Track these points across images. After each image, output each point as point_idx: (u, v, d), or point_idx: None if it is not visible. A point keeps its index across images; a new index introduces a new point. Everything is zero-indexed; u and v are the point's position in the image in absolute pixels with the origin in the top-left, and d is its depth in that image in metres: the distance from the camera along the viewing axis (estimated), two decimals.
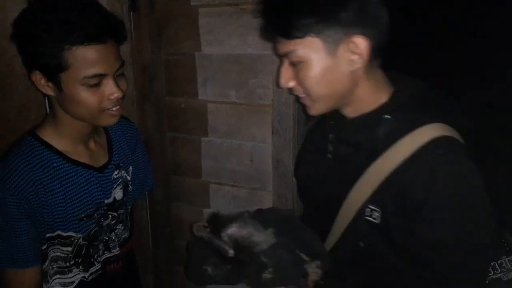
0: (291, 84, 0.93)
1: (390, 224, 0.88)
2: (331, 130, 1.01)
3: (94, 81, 0.93)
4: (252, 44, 1.35)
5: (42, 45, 0.89)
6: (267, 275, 0.94)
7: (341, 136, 0.99)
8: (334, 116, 1.01)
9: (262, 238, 0.98)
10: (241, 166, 1.52)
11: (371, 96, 0.92)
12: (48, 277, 1.05)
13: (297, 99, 0.99)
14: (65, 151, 1.04)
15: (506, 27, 3.57)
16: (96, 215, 1.08)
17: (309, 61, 0.87)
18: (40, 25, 0.89)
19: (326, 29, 0.84)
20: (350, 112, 0.95)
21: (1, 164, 0.97)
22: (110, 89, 0.95)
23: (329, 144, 1.02)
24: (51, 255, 1.04)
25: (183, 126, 1.58)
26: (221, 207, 1.56)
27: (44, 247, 1.02)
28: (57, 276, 1.06)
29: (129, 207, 1.23)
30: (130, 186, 1.21)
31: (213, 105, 1.50)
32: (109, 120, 1.01)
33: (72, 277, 1.08)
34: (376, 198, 0.89)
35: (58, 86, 0.94)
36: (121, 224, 1.17)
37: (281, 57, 0.94)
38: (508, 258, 1.11)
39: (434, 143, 0.84)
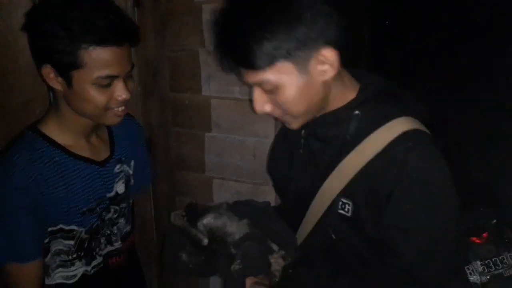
0: (267, 108, 0.91)
1: (361, 217, 0.90)
2: (304, 126, 0.99)
3: (106, 81, 0.95)
4: None
5: (58, 42, 0.90)
6: (235, 266, 0.97)
7: (312, 132, 1.00)
8: None
9: (235, 228, 1.02)
10: (244, 161, 1.53)
11: (340, 95, 0.93)
12: (50, 270, 1.06)
13: (276, 118, 0.98)
14: (67, 145, 1.04)
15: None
16: (98, 209, 1.09)
17: (284, 85, 0.85)
18: (58, 22, 0.90)
19: (292, 50, 0.81)
20: (322, 112, 0.96)
21: (2, 158, 0.98)
22: (120, 90, 0.97)
23: (301, 139, 1.04)
24: (54, 249, 1.05)
25: (187, 122, 1.59)
26: None
27: (46, 240, 1.03)
28: (60, 269, 1.07)
29: (131, 201, 1.24)
30: (132, 180, 1.22)
31: (217, 100, 1.51)
32: (112, 120, 1.02)
33: (74, 270, 1.09)
34: (348, 191, 0.91)
35: (68, 82, 0.94)
36: (123, 218, 1.18)
37: (249, 85, 0.92)
38: (510, 254, 1.12)
39: (405, 136, 0.86)
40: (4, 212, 0.95)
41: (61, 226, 1.03)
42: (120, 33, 0.93)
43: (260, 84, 0.87)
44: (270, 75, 0.84)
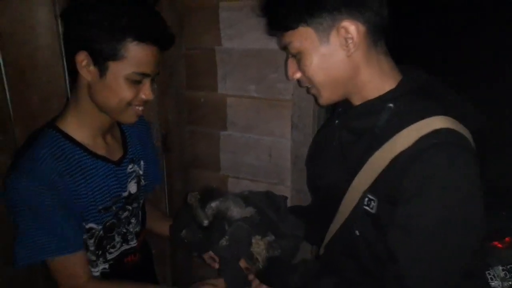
0: (297, 75, 0.95)
1: (383, 215, 0.86)
2: (338, 117, 1.02)
3: (138, 78, 0.97)
4: (273, 38, 1.34)
5: (102, 31, 0.92)
6: (223, 242, 1.02)
7: (344, 123, 0.98)
8: (343, 104, 1.00)
9: (235, 213, 1.08)
10: (260, 160, 1.51)
11: (375, 83, 0.90)
12: None
13: (307, 90, 1.00)
14: (85, 143, 1.04)
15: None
16: (114, 208, 1.09)
17: (305, 50, 0.89)
18: (103, 12, 0.92)
19: (315, 17, 0.85)
20: (358, 100, 0.94)
21: (26, 155, 0.97)
22: (146, 89, 1.00)
23: (334, 130, 1.02)
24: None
25: (202, 120, 1.58)
26: None
27: (85, 236, 1.03)
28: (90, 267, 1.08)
29: (141, 201, 1.24)
30: (142, 181, 1.22)
31: (233, 99, 1.50)
32: (130, 118, 1.04)
33: (97, 271, 1.10)
34: (374, 187, 0.88)
35: (102, 72, 0.95)
36: (134, 218, 1.18)
37: (284, 50, 0.97)
38: None
39: (434, 133, 0.80)
40: (39, 208, 0.95)
41: (89, 225, 1.04)
42: (161, 34, 0.98)
43: (287, 48, 0.91)
44: (293, 38, 0.89)
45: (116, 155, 1.13)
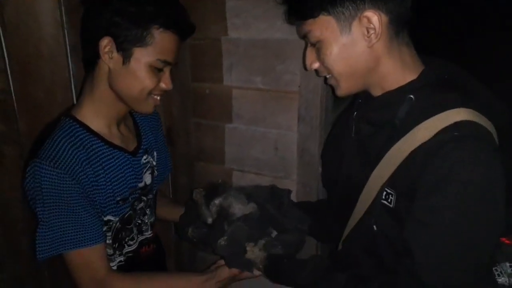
0: (315, 65, 0.94)
1: (401, 209, 0.84)
2: (357, 108, 1.00)
3: (161, 65, 0.99)
4: (280, 28, 1.31)
5: (129, 17, 0.93)
6: (221, 241, 1.02)
7: (363, 114, 0.97)
8: (362, 95, 0.99)
9: (237, 210, 1.09)
10: (266, 154, 1.50)
11: (396, 74, 0.88)
12: None
13: (325, 81, 0.99)
14: (101, 133, 1.04)
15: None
16: (130, 199, 1.09)
17: (325, 40, 0.87)
18: (132, 1, 0.93)
19: (337, 6, 0.84)
20: (377, 91, 0.92)
21: (46, 144, 0.96)
22: (166, 78, 1.02)
23: (353, 122, 1.00)
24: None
25: (208, 112, 1.56)
26: None
27: (104, 228, 1.02)
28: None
29: (155, 192, 1.23)
30: (156, 171, 1.21)
31: (238, 91, 1.48)
32: (148, 108, 1.04)
33: (114, 265, 1.09)
34: (393, 181, 0.86)
35: (125, 58, 0.96)
36: (149, 209, 1.18)
37: (303, 39, 0.95)
38: None
39: (455, 125, 0.77)
40: (62, 197, 0.93)
41: (107, 217, 1.03)
42: (185, 23, 1.00)
43: (307, 36, 0.91)
44: (313, 27, 0.88)
45: (131, 145, 1.12)
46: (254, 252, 1.03)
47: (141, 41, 0.94)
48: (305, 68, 1.00)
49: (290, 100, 1.39)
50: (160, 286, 1.07)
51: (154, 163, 1.20)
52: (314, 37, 0.89)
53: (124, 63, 0.96)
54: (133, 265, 1.13)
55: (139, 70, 0.97)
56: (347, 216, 1.01)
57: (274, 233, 1.09)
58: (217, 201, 1.11)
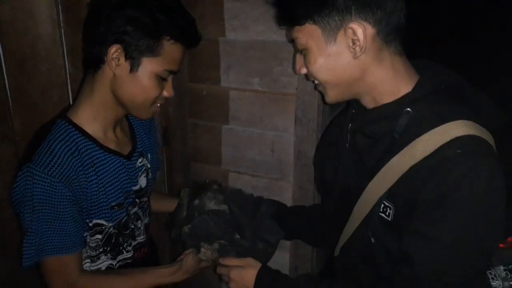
0: (303, 71, 0.93)
1: (400, 223, 0.83)
2: (351, 120, 0.98)
3: (167, 75, 1.00)
4: (278, 30, 1.31)
5: (141, 28, 0.93)
6: (185, 228, 1.07)
7: (359, 127, 0.95)
8: (356, 105, 0.97)
9: (210, 208, 1.12)
10: (262, 155, 1.50)
11: (387, 84, 0.86)
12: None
13: (315, 87, 0.98)
14: (97, 137, 1.03)
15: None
16: (125, 204, 1.08)
17: (310, 48, 0.86)
18: (142, 7, 0.93)
19: (323, 16, 0.82)
20: (369, 102, 0.91)
21: (41, 150, 0.95)
22: (169, 87, 1.03)
23: (348, 133, 0.99)
24: (86, 241, 1.04)
25: (204, 113, 1.56)
26: None
27: (86, 234, 1.02)
28: (87, 261, 1.06)
29: (149, 194, 1.23)
30: (150, 174, 1.20)
31: (235, 92, 1.48)
32: (148, 115, 1.05)
33: (99, 264, 1.08)
34: (391, 194, 0.86)
35: (133, 67, 0.96)
36: (142, 212, 1.17)
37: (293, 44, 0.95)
38: None
39: (457, 141, 0.77)
40: (52, 204, 0.93)
41: (95, 221, 1.02)
42: (194, 35, 1.02)
43: (294, 42, 0.90)
44: (299, 34, 0.87)
45: (126, 148, 1.11)
46: (206, 253, 1.06)
47: (151, 52, 0.95)
48: (295, 72, 1.00)
49: (287, 102, 1.39)
50: (129, 281, 1.07)
51: (149, 165, 1.20)
52: (300, 44, 0.88)
53: (131, 71, 0.96)
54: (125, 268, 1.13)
55: (145, 79, 0.97)
56: (342, 223, 1.00)
57: (237, 238, 1.10)
58: (196, 202, 1.13)
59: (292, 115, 1.39)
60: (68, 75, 1.21)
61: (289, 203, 1.44)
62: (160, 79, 0.99)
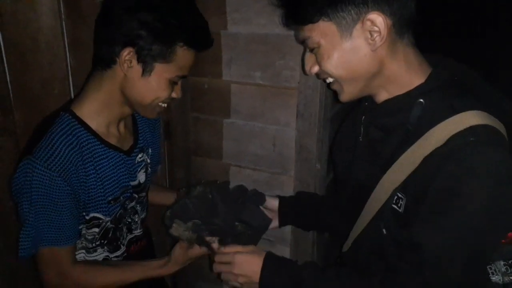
0: (315, 70, 0.91)
1: (411, 214, 0.83)
2: (365, 112, 0.98)
3: (178, 80, 1.01)
4: (281, 23, 1.30)
5: (155, 33, 0.92)
6: (167, 213, 1.08)
7: (372, 119, 0.95)
8: (369, 99, 0.97)
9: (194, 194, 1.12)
10: (263, 149, 1.49)
11: (402, 77, 0.86)
12: None
13: (328, 85, 0.97)
14: (99, 132, 1.03)
15: None
16: (121, 198, 1.08)
17: (325, 45, 0.84)
18: (158, 14, 0.92)
19: (337, 11, 0.80)
20: (383, 96, 0.90)
21: (43, 142, 0.95)
22: (178, 89, 1.04)
23: (362, 126, 0.99)
24: (82, 232, 1.05)
25: (206, 107, 1.56)
26: None
27: (81, 227, 1.02)
28: (82, 251, 1.07)
29: (148, 189, 1.23)
30: (149, 169, 1.20)
31: (237, 86, 1.47)
32: (153, 114, 1.05)
33: (96, 256, 1.09)
34: (404, 186, 0.85)
35: (145, 71, 0.96)
36: (140, 206, 1.17)
37: (302, 44, 0.92)
38: None
39: (470, 130, 0.76)
40: (50, 198, 0.93)
41: (92, 214, 1.02)
42: (207, 41, 1.02)
43: (305, 42, 0.87)
44: (312, 33, 0.84)
45: (127, 144, 1.11)
46: (177, 229, 1.06)
47: (163, 57, 0.95)
48: (304, 73, 0.97)
49: (289, 96, 1.38)
50: (120, 273, 1.07)
51: (149, 160, 1.20)
52: (313, 43, 0.85)
53: (143, 75, 0.96)
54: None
55: (157, 84, 0.98)
56: (354, 217, 1.00)
57: (213, 219, 1.09)
58: (183, 189, 1.15)
59: (293, 109, 1.38)
60: (69, 68, 1.21)
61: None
62: (172, 83, 1.00)
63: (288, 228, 1.55)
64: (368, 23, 0.80)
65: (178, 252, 1.09)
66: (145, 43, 0.93)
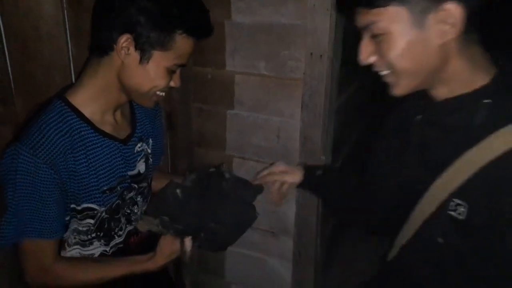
0: (372, 59, 0.84)
1: (476, 222, 0.78)
2: (420, 111, 0.91)
3: (176, 68, 0.99)
4: (286, 13, 1.28)
5: (153, 20, 0.91)
6: (149, 205, 1.07)
7: (431, 118, 0.89)
8: (423, 96, 0.90)
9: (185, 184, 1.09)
10: (267, 141, 1.48)
11: (465, 75, 0.81)
12: (66, 245, 1.04)
13: (381, 77, 0.90)
14: (94, 120, 1.01)
15: None
16: (119, 188, 1.06)
17: (392, 33, 0.77)
18: (156, 1, 0.90)
19: None
20: (442, 93, 0.85)
21: (32, 129, 0.93)
22: (177, 78, 1.02)
23: (414, 126, 0.93)
24: (73, 226, 1.03)
25: (209, 98, 1.54)
26: None
27: (67, 218, 1.01)
28: (77, 246, 1.05)
29: (150, 180, 1.21)
30: (150, 159, 1.19)
31: (241, 76, 1.45)
32: (150, 103, 1.04)
33: (92, 249, 1.07)
34: (463, 191, 0.80)
35: (143, 59, 0.94)
36: (140, 197, 1.16)
37: (360, 30, 0.84)
38: None
39: None
40: (34, 186, 0.92)
41: (84, 204, 1.01)
42: (207, 30, 0.99)
43: (369, 27, 0.80)
44: (380, 18, 0.77)
45: (123, 133, 1.09)
46: (142, 226, 1.06)
47: (162, 45, 0.93)
48: (360, 62, 0.88)
49: (294, 87, 1.37)
50: (103, 268, 1.06)
51: (149, 150, 1.18)
52: (378, 29, 0.78)
53: (141, 62, 0.94)
54: (120, 255, 1.11)
55: (155, 72, 0.96)
56: (399, 221, 0.96)
57: (168, 220, 1.06)
58: (174, 181, 1.11)
59: (298, 100, 1.37)
60: (71, 57, 1.19)
61: (292, 190, 1.42)
62: (170, 72, 0.98)
63: (291, 220, 1.54)
64: (443, 13, 0.74)
65: (163, 244, 1.07)
66: (143, 30, 0.91)
